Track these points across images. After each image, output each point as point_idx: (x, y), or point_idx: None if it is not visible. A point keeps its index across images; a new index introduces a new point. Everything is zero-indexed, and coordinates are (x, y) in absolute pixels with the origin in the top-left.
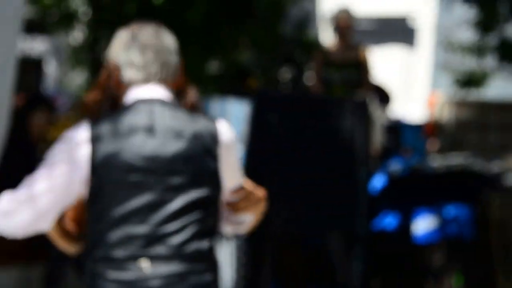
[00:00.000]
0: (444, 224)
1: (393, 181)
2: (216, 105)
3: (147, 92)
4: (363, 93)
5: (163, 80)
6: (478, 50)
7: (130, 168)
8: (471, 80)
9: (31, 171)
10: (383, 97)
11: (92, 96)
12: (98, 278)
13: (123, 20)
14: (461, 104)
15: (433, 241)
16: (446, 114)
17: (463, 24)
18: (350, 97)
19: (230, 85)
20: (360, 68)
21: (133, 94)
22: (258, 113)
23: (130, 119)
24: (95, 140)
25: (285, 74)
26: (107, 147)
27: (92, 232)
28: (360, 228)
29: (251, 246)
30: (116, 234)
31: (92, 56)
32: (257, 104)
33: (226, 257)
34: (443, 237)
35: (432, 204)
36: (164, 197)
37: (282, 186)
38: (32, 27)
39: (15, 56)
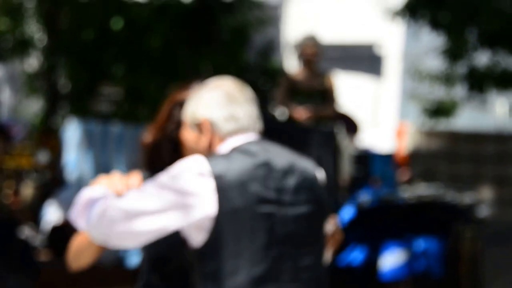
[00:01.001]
0: (412, 258)
1: (362, 213)
2: None
3: (247, 138)
4: (330, 122)
5: (256, 129)
6: (447, 79)
7: (261, 199)
8: (440, 110)
9: None
10: (351, 126)
11: (150, 136)
12: None
13: (81, 47)
14: (430, 134)
15: (399, 277)
16: (415, 144)
17: (431, 52)
18: (317, 126)
19: None
20: (328, 96)
21: (234, 141)
22: None
23: (244, 157)
24: (217, 175)
25: None
26: (232, 182)
27: (224, 267)
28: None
29: None
30: (260, 267)
31: (47, 83)
32: None
33: None
34: (410, 272)
35: (401, 237)
36: (297, 228)
37: None
38: None
39: None
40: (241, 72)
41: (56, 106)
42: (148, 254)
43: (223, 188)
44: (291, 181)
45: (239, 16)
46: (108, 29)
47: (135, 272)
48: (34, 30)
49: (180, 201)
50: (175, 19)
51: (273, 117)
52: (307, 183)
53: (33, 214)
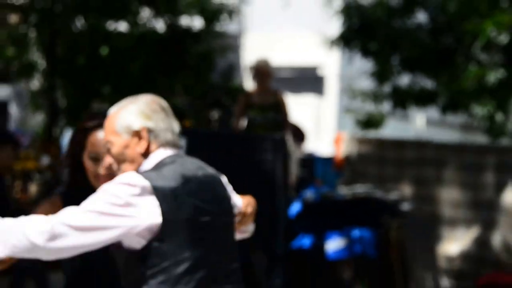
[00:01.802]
0: (351, 244)
1: (307, 207)
2: None
3: (174, 151)
4: (281, 132)
5: (179, 144)
6: (375, 97)
7: (199, 210)
8: (370, 122)
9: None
10: (298, 135)
11: (66, 163)
12: None
13: (74, 70)
14: (362, 142)
15: (342, 258)
16: (350, 150)
17: (363, 74)
18: (271, 135)
19: None
20: (279, 110)
21: (165, 152)
22: (190, 148)
23: (176, 170)
24: (157, 189)
25: (214, 115)
26: (170, 194)
27: (164, 274)
28: (280, 248)
29: None
30: (200, 273)
31: (48, 100)
32: (188, 141)
33: None
34: (351, 255)
35: (341, 226)
36: (224, 235)
37: None
38: None
39: None
40: (207, 91)
41: (56, 119)
42: (73, 263)
43: (164, 200)
44: (215, 193)
45: (205, 44)
46: (97, 55)
47: None
48: (36, 57)
49: (124, 214)
50: (152, 47)
51: (233, 127)
52: (224, 193)
53: None
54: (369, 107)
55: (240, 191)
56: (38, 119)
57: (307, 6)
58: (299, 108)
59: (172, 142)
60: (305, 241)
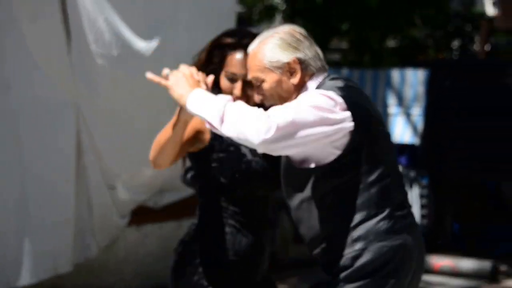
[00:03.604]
0: None
1: None
2: (396, 73)
3: (327, 75)
4: None
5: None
6: None
7: (380, 121)
8: None
9: None
10: None
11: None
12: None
13: (313, 9)
14: None
15: None
16: None
17: None
18: None
19: (407, 57)
20: None
21: (318, 79)
22: (434, 79)
23: (344, 84)
24: (346, 98)
25: (455, 44)
26: (357, 103)
27: (359, 180)
28: None
29: (435, 191)
30: (389, 179)
31: None
32: (432, 71)
33: (414, 200)
34: None
35: None
36: (392, 145)
37: (460, 141)
38: None
39: None
40: (448, 20)
41: None
42: (214, 180)
43: (355, 110)
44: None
45: None
46: None
47: None
48: None
49: (327, 117)
50: None
51: (475, 55)
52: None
53: None
54: None
55: (489, 118)
56: None
57: None
58: None
59: (322, 68)
60: None
